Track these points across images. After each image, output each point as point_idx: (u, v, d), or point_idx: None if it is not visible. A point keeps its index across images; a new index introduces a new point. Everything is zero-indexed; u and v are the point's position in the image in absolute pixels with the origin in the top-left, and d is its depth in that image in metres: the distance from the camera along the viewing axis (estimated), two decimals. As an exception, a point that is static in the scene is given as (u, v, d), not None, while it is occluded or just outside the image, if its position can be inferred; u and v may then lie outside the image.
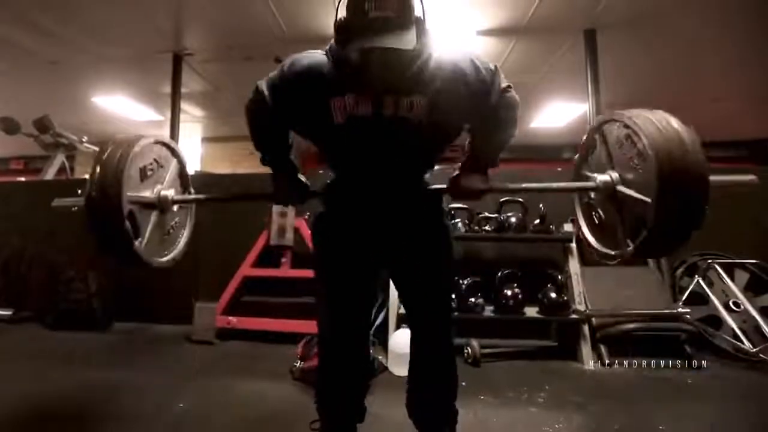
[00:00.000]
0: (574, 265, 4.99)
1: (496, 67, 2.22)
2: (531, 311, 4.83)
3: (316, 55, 2.22)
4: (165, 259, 2.93)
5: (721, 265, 4.97)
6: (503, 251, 5.54)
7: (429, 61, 2.10)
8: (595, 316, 4.73)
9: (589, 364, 4.53)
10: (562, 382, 4.12)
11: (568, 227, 5.11)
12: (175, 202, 2.85)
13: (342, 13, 2.05)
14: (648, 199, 2.10)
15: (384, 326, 4.86)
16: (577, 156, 2.81)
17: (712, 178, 2.09)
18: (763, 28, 6.87)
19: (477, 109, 2.22)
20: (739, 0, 6.22)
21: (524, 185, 2.82)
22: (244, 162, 12.72)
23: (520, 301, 4.80)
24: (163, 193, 2.76)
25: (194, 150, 13.60)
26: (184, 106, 9.84)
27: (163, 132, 10.20)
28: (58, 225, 6.27)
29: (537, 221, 5.07)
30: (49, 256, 6.36)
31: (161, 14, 6.85)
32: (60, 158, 8.52)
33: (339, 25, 2.05)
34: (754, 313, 4.66)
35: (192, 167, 12.13)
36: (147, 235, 2.67)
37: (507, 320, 4.91)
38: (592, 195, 2.68)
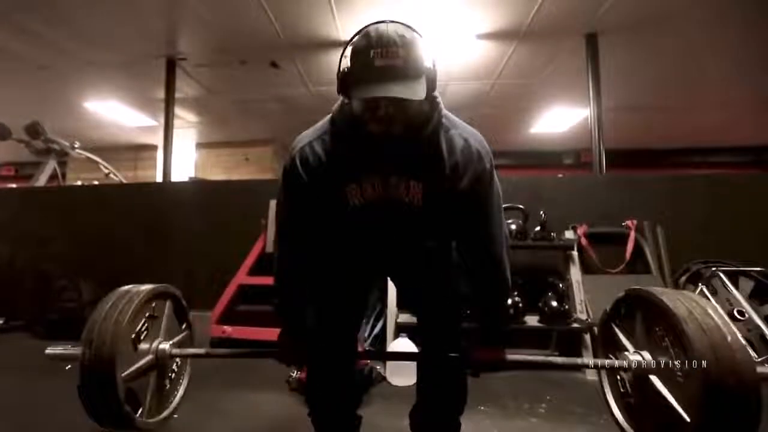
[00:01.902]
0: (575, 273, 4.99)
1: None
2: (532, 320, 4.83)
3: (317, 139, 2.17)
4: (164, 414, 2.92)
5: (725, 272, 4.95)
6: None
7: (438, 129, 2.09)
8: (597, 325, 4.73)
9: (591, 374, 4.52)
10: (563, 392, 4.11)
11: (569, 234, 5.12)
12: (173, 356, 2.83)
13: (345, 63, 1.98)
14: (688, 420, 1.99)
15: (382, 336, 4.86)
16: (608, 308, 2.80)
17: (760, 370, 1.95)
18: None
19: (473, 200, 2.19)
20: (744, 4, 6.24)
21: (538, 359, 2.78)
22: (239, 168, 12.75)
23: (521, 309, 4.80)
24: (160, 347, 2.74)
25: (188, 156, 13.58)
26: (178, 111, 9.86)
27: (156, 137, 10.26)
28: (50, 233, 6.28)
29: (538, 228, 5.08)
30: (41, 264, 6.36)
31: (154, 18, 6.87)
32: (51, 164, 8.54)
33: (342, 76, 1.99)
34: (759, 321, 4.65)
35: (186, 173, 12.17)
36: (147, 402, 2.67)
37: (507, 329, 4.92)
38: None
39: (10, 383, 4.31)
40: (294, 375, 4.02)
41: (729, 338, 1.96)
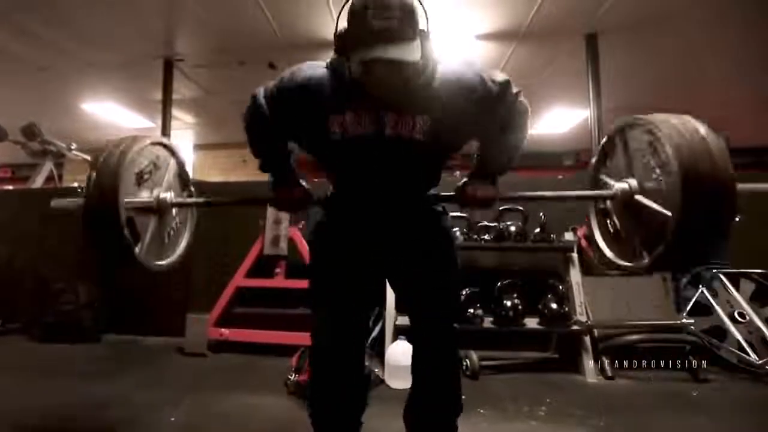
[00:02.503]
0: (575, 274, 4.99)
1: (507, 79, 2.20)
2: (531, 322, 4.82)
3: (317, 68, 2.20)
4: (166, 261, 2.96)
5: (726, 275, 4.96)
6: (503, 261, 5.54)
7: (433, 76, 2.10)
8: (597, 328, 4.73)
9: (591, 376, 4.53)
10: (563, 395, 4.11)
11: (569, 236, 5.11)
12: (174, 205, 2.86)
13: (342, 23, 2.01)
14: (668, 214, 2.07)
15: (381, 338, 4.86)
16: (593, 159, 2.80)
17: (740, 186, 2.03)
18: (768, 34, 6.92)
19: (484, 121, 2.22)
20: (743, 5, 6.25)
21: (536, 193, 2.83)
22: (237, 170, 12.75)
23: (520, 311, 4.79)
24: (161, 195, 2.77)
25: (186, 157, 13.50)
26: (176, 112, 9.85)
27: (154, 139, 10.15)
28: (48, 234, 6.27)
29: (537, 230, 5.08)
30: (38, 266, 6.36)
31: (151, 19, 6.88)
32: (48, 166, 8.52)
33: (339, 36, 2.03)
34: (760, 324, 4.66)
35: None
36: (147, 240, 2.69)
37: (506, 332, 4.91)
38: (609, 203, 2.65)
39: (8, 385, 4.30)
40: (292, 378, 4.02)
41: (702, 131, 2.10)
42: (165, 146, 2.98)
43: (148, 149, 2.76)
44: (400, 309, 4.75)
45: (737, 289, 4.92)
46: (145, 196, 2.70)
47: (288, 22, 6.86)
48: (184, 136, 12.62)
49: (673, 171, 2.03)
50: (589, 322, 4.72)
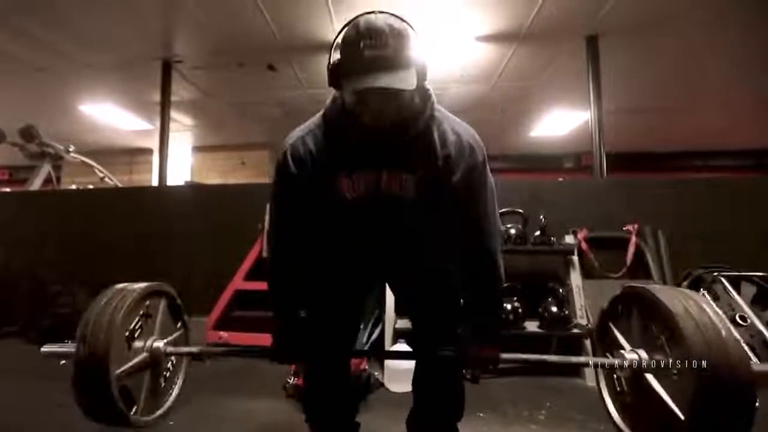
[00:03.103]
0: (575, 277, 4.99)
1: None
2: (531, 326, 4.82)
3: (313, 131, 2.19)
4: (159, 413, 2.90)
5: (727, 278, 4.95)
6: (503, 262, 5.52)
7: (430, 124, 2.10)
8: (595, 324, 4.73)
9: (592, 380, 4.51)
10: (563, 399, 4.10)
11: (569, 239, 5.12)
12: (168, 354, 2.82)
13: (335, 56, 2.00)
14: (681, 417, 2.01)
15: (380, 341, 4.85)
16: (603, 311, 2.82)
17: (756, 368, 1.98)
18: (769, 35, 6.93)
19: (467, 194, 2.20)
20: (744, 6, 6.25)
21: (538, 357, 2.73)
22: (235, 172, 12.76)
23: (520, 315, 4.78)
24: (155, 346, 2.73)
25: (184, 159, 13.59)
26: (174, 114, 9.84)
27: (152, 141, 10.26)
28: (45, 237, 6.27)
29: (537, 233, 5.07)
30: (35, 269, 6.35)
31: (150, 20, 6.88)
32: (46, 168, 8.53)
33: (333, 68, 2.00)
34: (762, 327, 4.65)
35: (182, 177, 12.17)
36: (142, 399, 2.67)
37: (506, 335, 4.91)
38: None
39: (5, 387, 4.30)
40: (291, 381, 4.01)
41: (724, 334, 1.97)
42: (154, 292, 2.91)
43: (138, 304, 2.70)
44: (399, 312, 4.75)
45: (738, 293, 4.91)
46: (138, 347, 2.66)
47: (287, 23, 6.86)
48: (183, 138, 12.61)
49: (689, 364, 1.95)
50: (589, 325, 4.72)
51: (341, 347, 2.52)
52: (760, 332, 4.62)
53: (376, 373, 4.34)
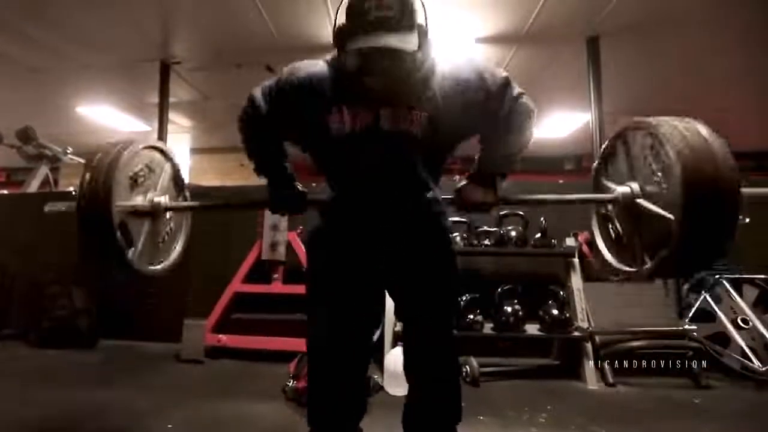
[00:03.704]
0: (576, 280, 4.99)
1: (506, 77, 2.21)
2: (532, 329, 4.82)
3: (316, 65, 2.23)
4: (159, 267, 2.96)
5: (729, 280, 4.96)
6: (503, 266, 5.54)
7: (431, 71, 2.12)
8: (599, 334, 4.73)
9: (593, 383, 4.52)
10: (564, 402, 4.10)
11: (570, 241, 5.12)
12: (168, 209, 2.86)
13: (341, 18, 2.04)
14: (671, 217, 2.06)
15: (380, 344, 4.85)
16: (595, 163, 2.80)
17: (745, 190, 2.03)
18: (770, 37, 6.93)
19: (484, 119, 2.23)
20: (747, 8, 6.26)
21: (536, 197, 2.81)
22: (233, 174, 12.73)
23: (521, 318, 4.79)
24: (155, 199, 2.77)
25: (182, 161, 13.49)
26: (172, 116, 9.83)
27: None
28: (42, 239, 6.27)
29: (538, 235, 5.07)
30: (33, 271, 6.35)
31: (147, 20, 6.88)
32: (43, 170, 8.52)
33: (338, 30, 2.04)
34: (764, 330, 4.66)
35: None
36: (140, 244, 2.69)
37: (507, 338, 4.91)
38: (610, 207, 2.65)
39: (3, 391, 4.30)
40: (290, 384, 4.01)
41: (705, 133, 2.10)
42: (160, 150, 2.99)
43: (143, 152, 2.78)
44: (399, 315, 4.74)
45: (740, 295, 4.92)
46: (139, 200, 2.70)
47: (286, 24, 6.87)
48: (181, 139, 12.58)
49: (675, 174, 2.02)
50: (590, 328, 4.72)
51: (350, 348, 2.49)
52: (762, 335, 4.63)
53: (375, 376, 4.34)
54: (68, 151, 8.74)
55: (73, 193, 2.48)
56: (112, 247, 2.46)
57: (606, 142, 2.71)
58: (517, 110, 2.24)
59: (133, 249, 2.61)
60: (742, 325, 4.80)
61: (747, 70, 8.23)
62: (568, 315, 4.78)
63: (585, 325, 4.76)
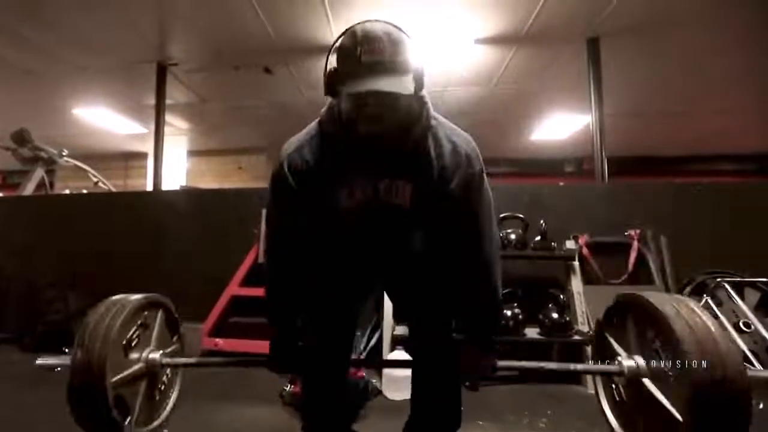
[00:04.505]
0: (576, 284, 4.98)
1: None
2: (531, 332, 4.80)
3: (305, 144, 2.20)
4: (154, 425, 2.92)
5: (731, 283, 4.94)
6: (503, 269, 5.51)
7: (426, 133, 2.11)
8: (592, 335, 4.71)
9: (593, 387, 4.51)
10: (564, 406, 4.10)
11: (570, 244, 5.11)
12: (164, 365, 2.84)
13: (333, 62, 2.01)
14: (679, 418, 2.04)
15: (378, 348, 4.85)
16: (599, 319, 2.91)
17: (751, 374, 2.00)
18: (771, 39, 6.94)
19: (463, 204, 2.22)
20: (747, 8, 6.26)
21: (535, 363, 2.76)
22: (231, 176, 12.77)
23: (520, 321, 4.77)
24: (150, 356, 2.76)
25: (179, 164, 13.58)
26: (169, 118, 9.86)
27: (147, 145, 10.25)
28: (39, 243, 6.26)
29: (538, 238, 5.06)
30: (28, 275, 6.33)
31: (144, 22, 6.88)
32: (39, 173, 8.51)
33: (329, 74, 2.00)
34: (766, 334, 4.64)
35: (177, 182, 12.16)
36: (137, 410, 2.67)
37: (506, 341, 4.90)
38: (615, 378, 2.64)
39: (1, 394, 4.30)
40: (288, 388, 4.00)
41: (715, 334, 2.02)
42: (152, 303, 2.95)
43: (136, 315, 2.74)
44: (397, 318, 4.74)
45: (742, 299, 4.91)
46: (134, 360, 2.68)
47: (283, 25, 6.87)
48: (178, 141, 12.62)
49: (685, 376, 1.99)
50: (590, 332, 4.71)
51: (338, 354, 2.51)
52: (764, 339, 4.62)
53: (373, 381, 4.34)
54: (64, 154, 8.75)
55: (65, 351, 2.49)
56: (108, 424, 2.42)
57: (605, 313, 2.83)
58: (486, 211, 2.28)
59: (130, 418, 2.59)
60: (744, 329, 4.78)
61: (748, 71, 8.24)
62: (568, 318, 4.76)
63: (585, 328, 4.75)
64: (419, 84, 1.98)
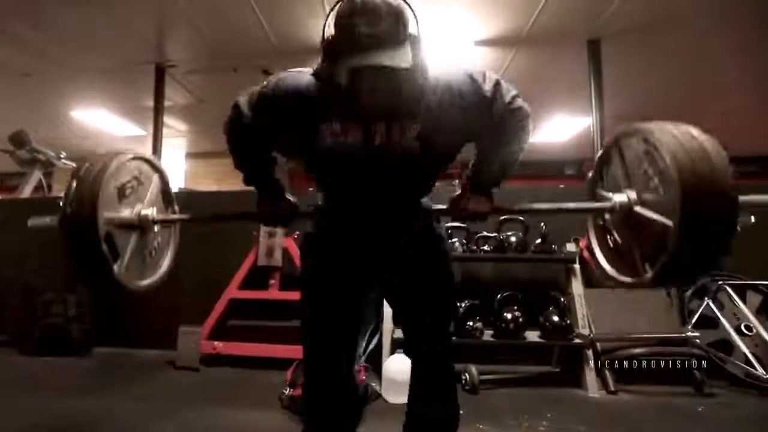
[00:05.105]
0: (577, 286, 4.99)
1: (498, 80, 2.16)
2: (532, 335, 4.81)
3: (303, 75, 2.16)
4: (146, 282, 2.89)
5: (733, 286, 4.95)
6: (503, 272, 5.52)
7: (423, 83, 2.05)
8: (600, 341, 4.72)
9: (594, 391, 4.52)
10: (565, 410, 4.10)
11: (570, 247, 5.11)
12: (156, 222, 2.81)
13: (330, 31, 1.97)
14: (669, 222, 2.02)
15: (378, 351, 4.85)
16: (590, 173, 2.78)
17: (742, 198, 2.00)
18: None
19: (479, 126, 2.19)
20: (751, 10, 6.27)
21: (533, 206, 2.80)
22: (229, 178, 12.69)
23: (521, 324, 4.76)
24: (143, 212, 2.73)
25: (178, 166, 13.57)
26: (167, 120, 9.84)
27: (145, 148, 10.22)
28: (36, 245, 6.26)
29: (538, 241, 5.07)
30: (26, 277, 6.34)
31: (142, 23, 6.88)
32: (37, 175, 8.49)
33: (327, 44, 1.98)
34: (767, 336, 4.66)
35: (175, 184, 12.16)
36: (126, 258, 2.63)
37: (507, 345, 4.89)
38: (607, 216, 2.62)
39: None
40: (287, 392, 4.00)
41: (699, 136, 2.08)
42: (148, 162, 2.95)
43: (132, 163, 2.74)
44: (397, 322, 4.74)
45: (744, 302, 4.91)
46: (126, 212, 2.66)
47: (282, 26, 6.87)
48: (177, 144, 12.61)
49: (671, 178, 1.99)
50: (591, 335, 4.72)
51: (339, 356, 2.50)
52: (766, 342, 4.63)
53: (373, 384, 4.34)
54: (62, 156, 8.73)
55: (60, 204, 2.43)
56: (97, 260, 2.40)
57: (600, 150, 2.69)
58: (513, 112, 2.21)
59: (119, 263, 2.55)
60: (746, 331, 4.79)
61: (750, 73, 8.25)
62: (568, 321, 4.77)
63: (586, 331, 4.76)
64: (417, 46, 1.96)
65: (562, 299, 4.92)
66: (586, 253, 5.14)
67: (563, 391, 4.59)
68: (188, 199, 7.14)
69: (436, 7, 6.23)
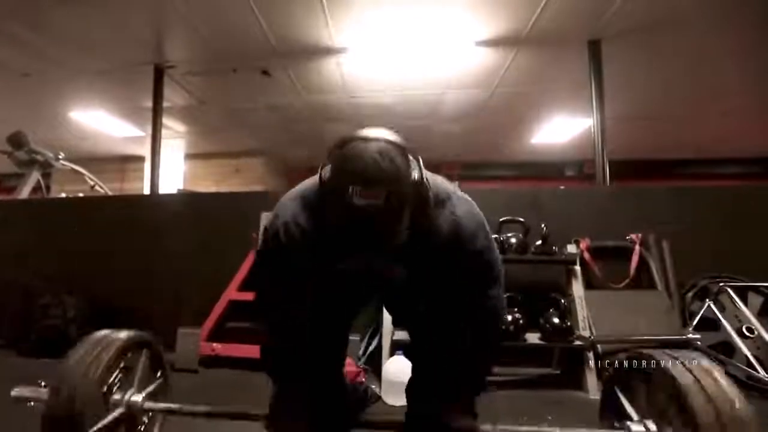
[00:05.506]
0: (578, 288, 4.98)
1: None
2: (532, 337, 4.80)
3: (302, 210, 2.15)
4: None
5: (734, 288, 4.94)
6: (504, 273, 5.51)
7: (427, 218, 2.03)
8: (601, 343, 4.71)
9: (594, 393, 4.51)
10: (565, 412, 4.09)
11: (571, 249, 5.10)
12: (146, 410, 2.71)
13: (327, 172, 1.89)
14: None
15: (377, 353, 4.84)
16: (608, 375, 2.72)
17: None
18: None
19: (464, 273, 2.21)
20: (753, 11, 6.27)
21: (533, 428, 2.67)
22: (229, 179, 12.74)
23: (521, 326, 4.76)
24: (132, 399, 2.62)
25: (177, 167, 13.53)
26: (166, 120, 9.84)
27: (144, 148, 10.23)
28: (35, 247, 6.26)
29: (539, 242, 5.06)
30: (24, 279, 6.33)
31: (141, 24, 6.88)
32: (35, 176, 8.50)
33: (325, 182, 1.90)
34: (769, 338, 4.66)
35: (174, 185, 12.14)
36: None
37: (507, 347, 4.89)
38: None
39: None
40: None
41: (737, 405, 1.90)
42: (137, 343, 2.80)
43: (117, 361, 2.58)
44: (396, 324, 4.74)
45: (745, 303, 4.91)
46: (114, 401, 2.56)
47: (282, 27, 6.87)
48: (175, 145, 12.58)
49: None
50: (592, 337, 4.71)
51: (330, 360, 2.50)
52: (767, 344, 4.62)
53: (373, 386, 4.33)
54: (60, 157, 8.74)
55: (42, 385, 2.37)
56: None
57: (614, 369, 2.57)
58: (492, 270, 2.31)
59: None
60: (747, 333, 4.78)
61: (752, 74, 8.25)
62: (569, 323, 4.76)
63: (587, 333, 4.75)
64: (417, 186, 1.87)
65: (562, 301, 4.92)
66: (586, 255, 5.15)
67: (563, 394, 4.58)
68: (187, 200, 7.14)
69: (436, 7, 6.23)
